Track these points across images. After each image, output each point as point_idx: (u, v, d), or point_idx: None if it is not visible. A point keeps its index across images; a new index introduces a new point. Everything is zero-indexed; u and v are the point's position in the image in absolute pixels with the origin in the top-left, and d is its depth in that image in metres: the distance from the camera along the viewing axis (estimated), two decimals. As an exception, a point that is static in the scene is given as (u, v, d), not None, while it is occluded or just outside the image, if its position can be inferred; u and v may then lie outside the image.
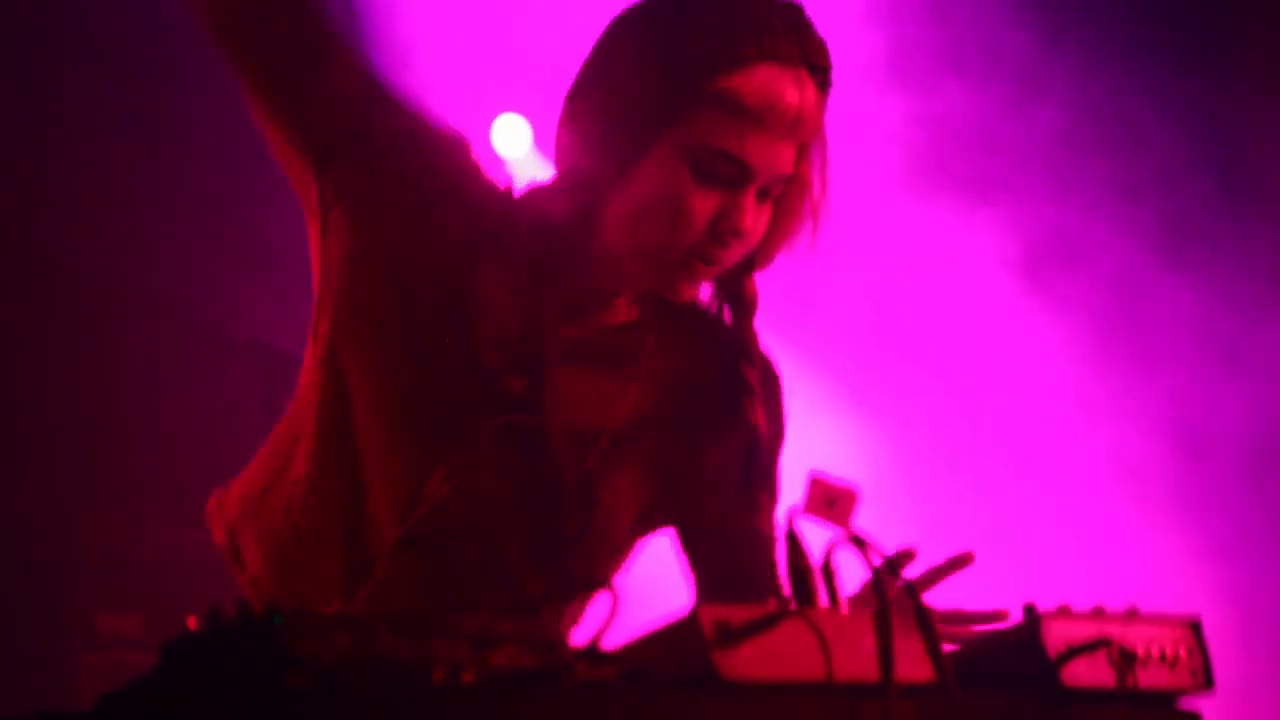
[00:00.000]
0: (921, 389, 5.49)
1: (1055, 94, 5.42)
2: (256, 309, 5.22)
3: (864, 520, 2.17)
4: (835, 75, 2.53)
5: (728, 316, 2.69)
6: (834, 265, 5.16)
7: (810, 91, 2.48)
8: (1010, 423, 5.46)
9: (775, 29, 2.48)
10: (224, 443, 5.19)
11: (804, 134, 2.50)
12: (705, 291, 2.67)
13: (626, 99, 2.49)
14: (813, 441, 2.89)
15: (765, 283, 2.65)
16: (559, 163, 2.59)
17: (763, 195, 2.51)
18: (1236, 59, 5.51)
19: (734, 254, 2.53)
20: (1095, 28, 5.40)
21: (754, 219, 2.50)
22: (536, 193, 2.61)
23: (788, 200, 2.55)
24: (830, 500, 2.19)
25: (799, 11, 2.53)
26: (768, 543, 2.69)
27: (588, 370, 2.62)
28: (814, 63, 2.49)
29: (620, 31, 2.55)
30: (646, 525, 2.72)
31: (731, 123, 2.45)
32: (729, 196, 2.48)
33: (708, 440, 2.69)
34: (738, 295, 2.65)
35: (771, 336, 2.71)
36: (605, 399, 2.63)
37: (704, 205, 2.48)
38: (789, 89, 2.46)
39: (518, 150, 6.04)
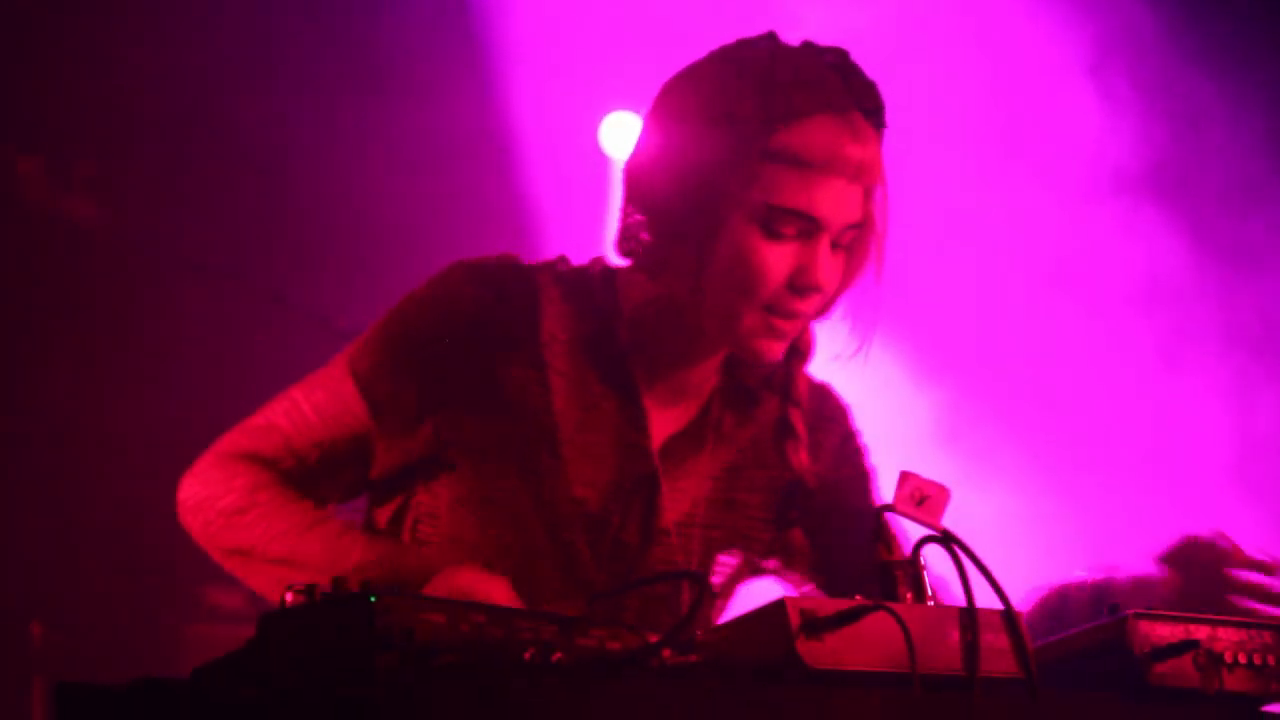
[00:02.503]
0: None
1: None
2: (360, 299, 5.27)
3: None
4: (889, 114, 2.55)
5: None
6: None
7: (868, 134, 2.51)
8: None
9: (824, 78, 2.50)
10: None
11: (868, 178, 2.52)
12: None
13: (694, 171, 2.51)
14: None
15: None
16: (634, 244, 2.59)
17: (835, 246, 2.53)
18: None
19: (812, 306, 2.55)
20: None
21: (829, 271, 2.52)
22: (624, 283, 2.64)
23: (858, 245, 2.56)
24: (920, 498, 2.21)
25: (844, 56, 2.55)
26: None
27: (679, 463, 2.66)
28: (866, 106, 2.52)
29: (674, 105, 2.57)
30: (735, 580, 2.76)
31: (796, 177, 2.48)
32: (803, 250, 2.50)
33: (761, 487, 2.73)
34: (794, 344, 2.66)
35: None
36: (693, 479, 2.67)
37: (778, 262, 2.50)
38: (847, 136, 2.48)
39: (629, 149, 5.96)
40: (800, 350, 2.67)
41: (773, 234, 2.49)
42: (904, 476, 2.19)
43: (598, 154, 5.97)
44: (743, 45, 2.58)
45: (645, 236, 2.57)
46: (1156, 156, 5.22)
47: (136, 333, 5.17)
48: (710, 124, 2.50)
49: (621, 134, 5.94)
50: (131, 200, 5.07)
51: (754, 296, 2.51)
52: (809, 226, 2.49)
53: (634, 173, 2.61)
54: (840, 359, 2.63)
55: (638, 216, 2.58)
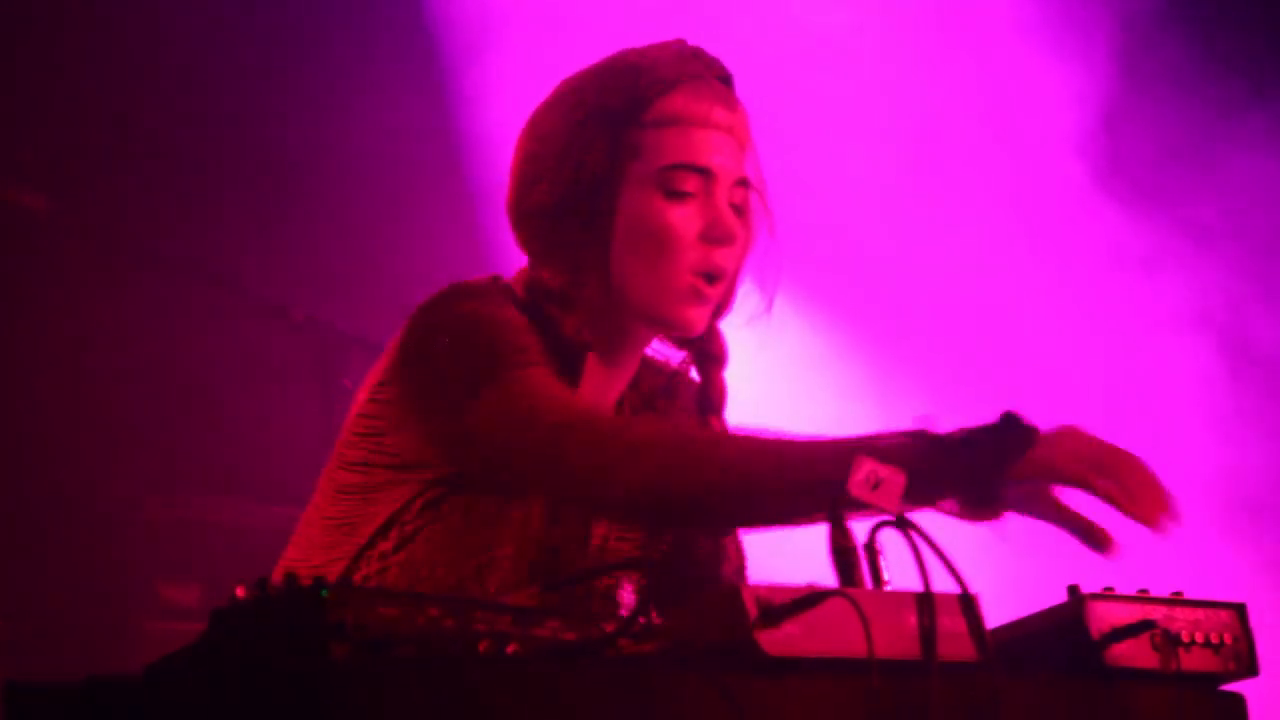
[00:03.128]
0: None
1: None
2: (315, 288, 5.25)
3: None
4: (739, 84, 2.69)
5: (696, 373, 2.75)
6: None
7: (732, 98, 2.66)
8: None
9: (679, 56, 2.65)
10: (283, 421, 5.26)
11: (740, 135, 2.64)
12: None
13: (578, 170, 2.58)
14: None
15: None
16: (539, 260, 2.63)
17: (730, 206, 2.61)
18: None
19: (729, 260, 2.61)
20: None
21: (735, 222, 2.60)
22: (540, 300, 2.63)
23: (747, 207, 2.65)
24: (875, 481, 2.21)
25: (684, 41, 2.68)
26: None
27: None
28: (719, 74, 2.67)
29: (540, 129, 2.64)
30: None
31: (677, 135, 2.59)
32: (705, 206, 2.59)
33: None
34: (707, 351, 2.72)
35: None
36: None
37: (684, 220, 2.58)
38: (715, 97, 2.63)
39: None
40: (715, 356, 2.72)
41: (672, 194, 2.59)
42: (859, 460, 2.18)
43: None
44: (593, 64, 2.69)
45: (550, 245, 2.61)
46: (1137, 145, 5.24)
47: (87, 323, 5.13)
48: (583, 126, 2.60)
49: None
50: (81, 188, 5.03)
51: (674, 257, 2.58)
52: (704, 181, 2.60)
53: (519, 207, 2.65)
54: (753, 321, 2.70)
55: (537, 227, 2.63)
